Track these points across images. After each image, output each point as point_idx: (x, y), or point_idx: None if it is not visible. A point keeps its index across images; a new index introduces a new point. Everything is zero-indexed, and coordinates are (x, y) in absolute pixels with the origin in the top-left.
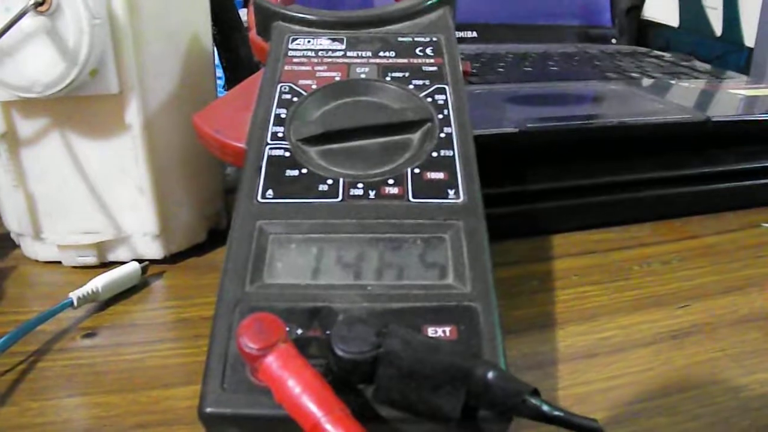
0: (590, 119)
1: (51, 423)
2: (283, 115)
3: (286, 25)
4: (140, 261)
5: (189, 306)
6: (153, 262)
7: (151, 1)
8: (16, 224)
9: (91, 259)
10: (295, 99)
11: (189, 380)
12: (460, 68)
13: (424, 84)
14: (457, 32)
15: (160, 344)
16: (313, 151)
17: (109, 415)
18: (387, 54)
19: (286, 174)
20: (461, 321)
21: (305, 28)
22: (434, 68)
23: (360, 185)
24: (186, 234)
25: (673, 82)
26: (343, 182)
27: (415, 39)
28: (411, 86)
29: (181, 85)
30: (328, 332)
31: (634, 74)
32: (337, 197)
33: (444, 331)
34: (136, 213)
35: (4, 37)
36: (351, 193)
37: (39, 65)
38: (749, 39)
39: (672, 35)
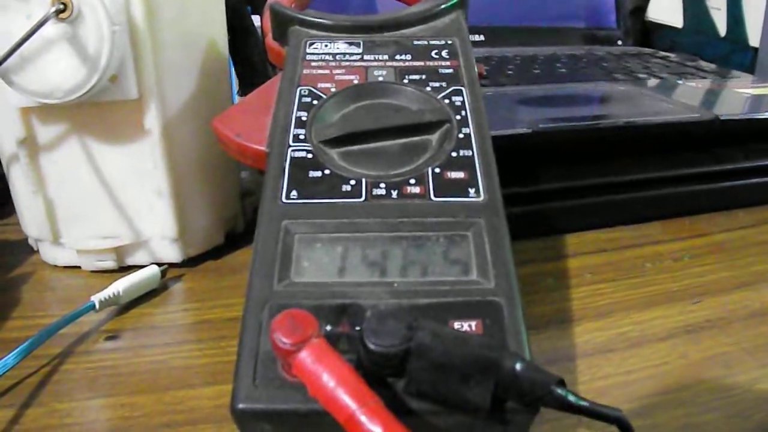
0: (601, 119)
1: (79, 424)
2: (303, 118)
3: (303, 29)
4: (159, 264)
5: (210, 308)
6: (172, 265)
7: (169, 7)
8: (35, 229)
9: (110, 263)
10: (315, 102)
11: (213, 380)
12: (476, 70)
13: (441, 86)
14: None
15: (182, 346)
16: (334, 152)
17: (135, 416)
18: (403, 57)
19: (310, 175)
20: (486, 315)
21: (322, 33)
22: (450, 70)
23: (382, 185)
24: (204, 237)
25: (680, 81)
26: (366, 182)
27: (431, 42)
28: (428, 88)
29: (199, 89)
30: (357, 328)
31: (641, 75)
32: (361, 197)
33: (470, 326)
34: (155, 217)
35: (25, 43)
36: (374, 193)
37: (60, 71)
38: (754, 39)
39: (676, 36)
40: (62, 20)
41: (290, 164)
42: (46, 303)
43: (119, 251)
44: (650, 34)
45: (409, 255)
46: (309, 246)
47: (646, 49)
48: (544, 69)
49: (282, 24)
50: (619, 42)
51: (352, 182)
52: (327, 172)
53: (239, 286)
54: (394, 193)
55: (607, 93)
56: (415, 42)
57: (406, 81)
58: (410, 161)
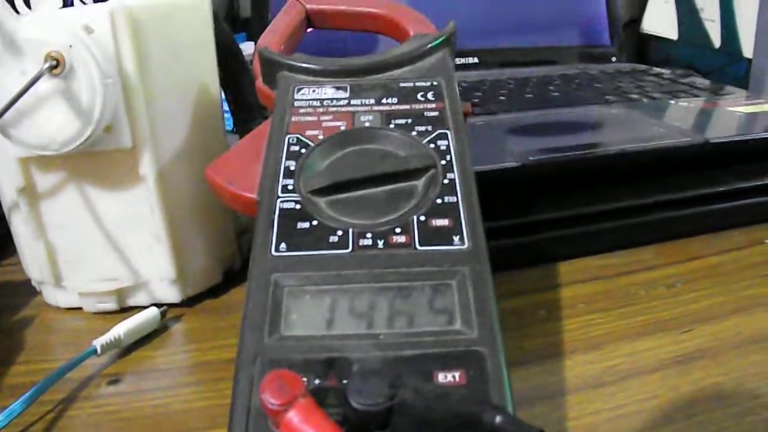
0: (591, 149)
1: None
2: (292, 167)
3: (291, 74)
4: (158, 305)
5: (209, 349)
6: (171, 305)
7: (160, 56)
8: (37, 272)
9: (110, 305)
10: (302, 150)
11: (213, 423)
12: (461, 111)
13: (426, 130)
14: (458, 59)
15: (183, 389)
16: (322, 202)
17: None
18: (390, 100)
19: (298, 226)
20: (469, 365)
21: (310, 78)
22: (436, 113)
23: (369, 235)
24: (202, 277)
25: (672, 102)
26: (353, 233)
27: (416, 84)
28: (414, 132)
29: (192, 135)
30: (344, 381)
31: (633, 95)
32: (348, 248)
33: (453, 376)
34: (153, 260)
35: (20, 98)
36: (360, 243)
37: (55, 124)
38: (747, 50)
39: (671, 48)
40: (55, 76)
41: (279, 215)
42: (49, 346)
43: (120, 293)
44: (645, 47)
45: (394, 306)
46: (298, 299)
47: (640, 66)
48: (536, 93)
49: (271, 69)
50: (613, 58)
51: (339, 233)
52: (315, 222)
53: (237, 326)
54: (380, 243)
55: (598, 118)
56: (401, 84)
57: (392, 126)
58: (396, 209)
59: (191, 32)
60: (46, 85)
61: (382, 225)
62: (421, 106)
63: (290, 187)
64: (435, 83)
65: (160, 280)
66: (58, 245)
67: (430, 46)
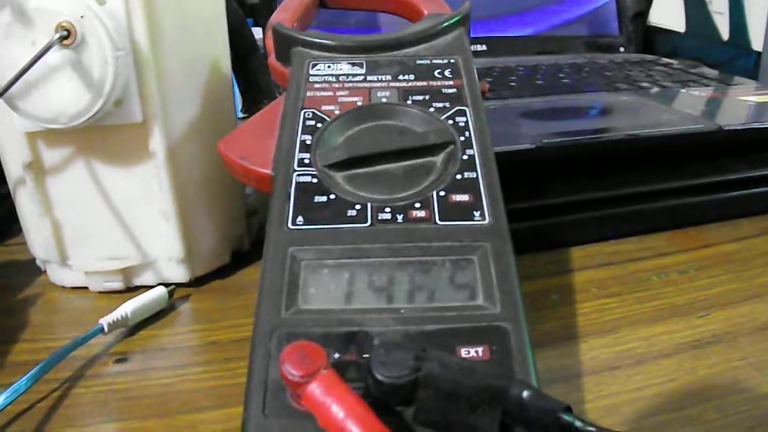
0: (604, 133)
1: None
2: (308, 142)
3: (306, 50)
4: (166, 285)
5: (217, 329)
6: (178, 285)
7: (173, 30)
8: (42, 251)
9: (117, 284)
10: (318, 125)
11: (223, 403)
12: (479, 89)
13: (444, 106)
14: None
15: (191, 368)
16: (339, 176)
17: None
18: (406, 77)
19: (315, 200)
20: (493, 341)
21: (325, 53)
22: (453, 90)
23: (387, 209)
24: (210, 257)
25: (683, 90)
26: (371, 207)
27: (433, 61)
28: (432, 109)
29: (203, 111)
30: (365, 356)
31: (644, 84)
32: (366, 222)
33: (477, 352)
34: (161, 238)
35: (30, 69)
36: (379, 218)
37: (64, 97)
38: (757, 43)
39: (678, 41)
40: (66, 47)
41: (295, 189)
42: (54, 325)
43: (126, 272)
44: (652, 39)
45: (415, 280)
46: (315, 273)
47: (649, 56)
48: (546, 80)
49: (285, 45)
50: (621, 49)
51: (358, 207)
52: (332, 197)
53: (246, 306)
54: (400, 218)
55: (610, 104)
56: (418, 61)
57: (409, 102)
58: (415, 184)
59: (204, 7)
60: (55, 56)
61: (401, 200)
62: (439, 83)
63: (307, 161)
64: (452, 61)
65: (168, 260)
66: (64, 223)
67: (445, 24)
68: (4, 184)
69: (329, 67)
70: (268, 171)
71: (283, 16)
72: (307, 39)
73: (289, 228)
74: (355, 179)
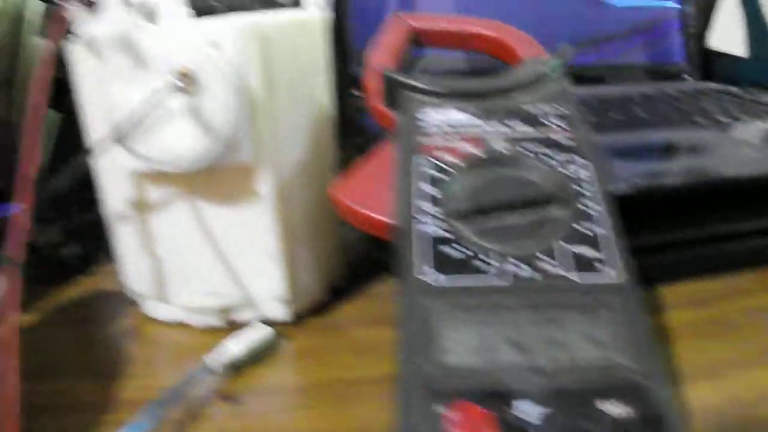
0: (698, 174)
1: None
2: (430, 191)
3: (416, 96)
4: (266, 322)
5: (324, 368)
6: (278, 323)
7: (284, 73)
8: (140, 286)
9: (215, 321)
10: (438, 174)
11: None
12: (591, 138)
13: (559, 157)
14: None
15: (303, 410)
16: (464, 227)
17: None
18: (517, 125)
19: (445, 252)
20: (635, 398)
21: (434, 99)
22: (566, 140)
23: (518, 262)
24: (309, 294)
25: (765, 126)
26: (502, 259)
27: (542, 109)
28: (548, 159)
29: (309, 152)
30: (511, 411)
31: (720, 117)
32: (498, 275)
33: (619, 408)
34: (265, 278)
35: (148, 113)
36: (511, 271)
37: (181, 141)
38: None
39: (739, 65)
40: (185, 92)
41: (424, 240)
42: (155, 361)
43: (226, 309)
44: (711, 63)
45: (551, 335)
46: (453, 326)
47: (716, 86)
48: (621, 113)
49: (392, 89)
50: (686, 77)
51: (488, 259)
52: (462, 248)
53: (348, 345)
54: (532, 272)
55: (694, 141)
56: (528, 109)
57: (524, 151)
58: (540, 236)
59: (312, 48)
60: (174, 100)
61: (529, 252)
62: (550, 132)
63: (431, 212)
64: (560, 109)
65: (270, 298)
66: (166, 259)
67: (548, 71)
68: (90, 211)
69: (441, 114)
70: (387, 219)
71: (383, 57)
72: (418, 85)
73: (423, 280)
74: (480, 230)
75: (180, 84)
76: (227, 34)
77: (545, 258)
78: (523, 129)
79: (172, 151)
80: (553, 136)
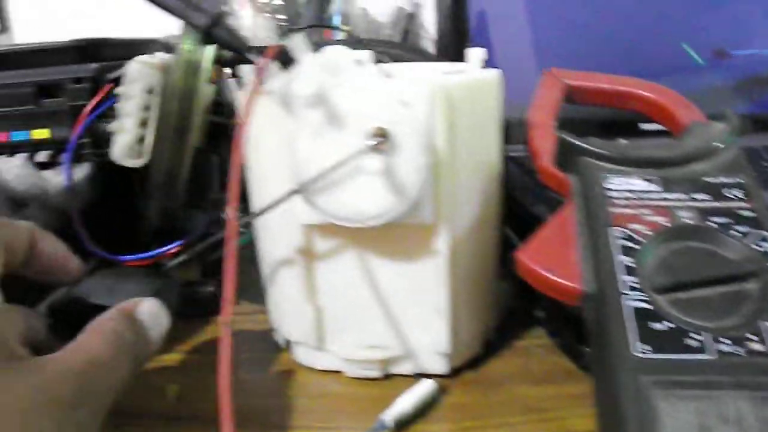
0: None
1: None
2: (628, 263)
3: (594, 162)
4: (424, 375)
5: (488, 426)
6: (434, 376)
7: (466, 133)
8: (298, 334)
9: (374, 372)
10: (632, 245)
11: None
12: None
13: (746, 231)
14: None
15: None
16: (665, 301)
17: None
18: (700, 196)
19: (652, 327)
20: None
21: (615, 167)
22: (749, 212)
23: (724, 340)
24: (467, 348)
25: None
26: (707, 336)
27: (722, 180)
28: (734, 231)
29: (481, 210)
30: None
31: None
32: (706, 352)
33: None
34: (429, 333)
35: (339, 169)
36: (719, 349)
37: (367, 198)
38: None
39: None
40: (379, 151)
41: (630, 314)
42: (319, 412)
43: (385, 361)
44: None
45: (765, 415)
46: (670, 404)
47: None
48: None
49: (569, 153)
50: None
51: (695, 336)
52: (667, 323)
53: (508, 402)
54: (738, 349)
55: None
56: (706, 179)
57: (711, 224)
58: (738, 312)
59: (488, 107)
60: (365, 158)
61: (732, 329)
62: (734, 204)
63: (633, 284)
64: (740, 180)
65: (432, 353)
66: (327, 309)
67: (724, 142)
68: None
69: (625, 182)
70: (579, 286)
71: (541, 115)
72: (597, 150)
73: (634, 355)
74: (679, 304)
75: (375, 142)
76: (419, 93)
77: (750, 336)
78: (706, 201)
79: (356, 208)
80: (735, 208)
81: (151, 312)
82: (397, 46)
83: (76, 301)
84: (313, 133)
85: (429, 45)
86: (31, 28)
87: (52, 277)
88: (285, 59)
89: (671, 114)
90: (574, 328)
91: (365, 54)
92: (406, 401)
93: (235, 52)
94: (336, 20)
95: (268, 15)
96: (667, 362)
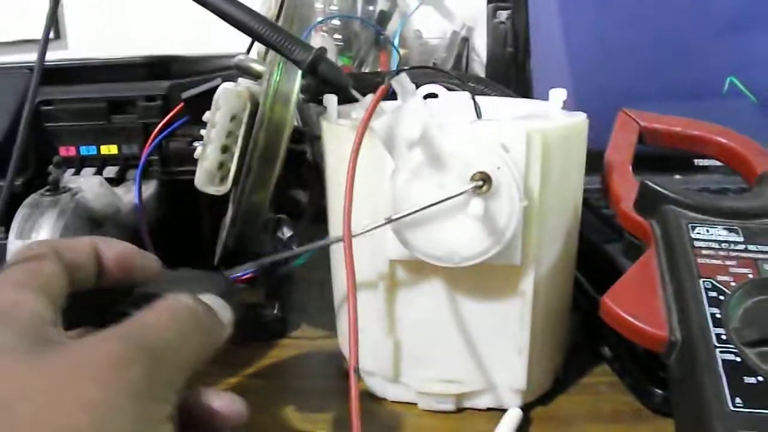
0: None
1: None
2: (717, 315)
3: (680, 210)
4: (498, 409)
5: None
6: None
7: (556, 177)
8: (373, 365)
9: (448, 406)
10: (719, 297)
11: None
12: None
13: None
14: None
15: None
16: (754, 354)
17: None
18: None
19: (745, 381)
20: None
21: (699, 215)
22: None
23: None
24: (540, 384)
25: None
26: None
27: None
28: None
29: (563, 250)
30: None
31: None
32: None
33: None
34: (507, 370)
35: (433, 209)
36: None
37: (462, 240)
38: None
39: None
40: (479, 195)
41: (724, 368)
42: None
43: (460, 395)
44: None
45: None
46: None
47: None
48: None
49: (652, 199)
50: None
51: None
52: (760, 378)
53: None
54: None
55: None
56: None
57: None
58: None
59: (576, 152)
60: (468, 201)
61: None
62: None
63: (724, 337)
64: None
65: (508, 389)
66: (406, 342)
67: None
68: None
69: (709, 231)
70: (663, 333)
71: (620, 157)
72: (682, 200)
73: (731, 410)
74: (765, 357)
75: (477, 185)
76: (518, 138)
77: None
78: None
79: (449, 248)
80: None
81: (215, 302)
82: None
83: (146, 297)
84: (414, 172)
85: (479, 69)
86: (84, 37)
87: (134, 278)
88: (389, 97)
89: (747, 161)
90: (644, 368)
91: (465, 95)
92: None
93: (339, 88)
94: (395, 42)
95: (324, 35)
96: (761, 417)
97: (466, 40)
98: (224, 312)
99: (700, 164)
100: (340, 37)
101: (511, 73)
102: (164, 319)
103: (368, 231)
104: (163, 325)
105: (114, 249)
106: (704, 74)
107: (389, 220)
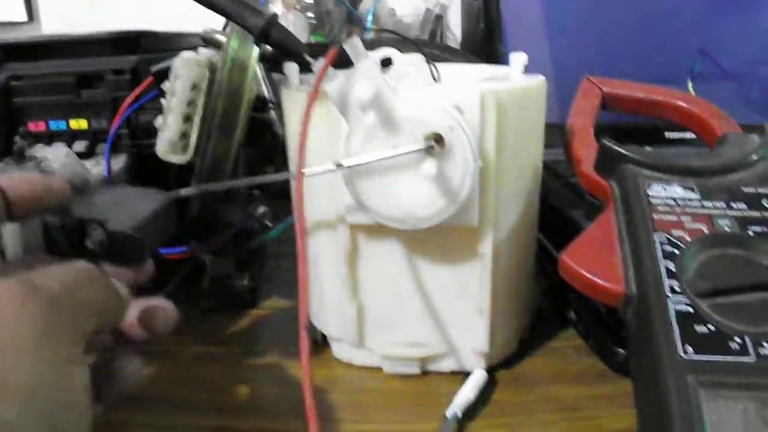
0: None
1: None
2: (672, 268)
3: (637, 169)
4: (461, 373)
5: (524, 424)
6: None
7: (512, 139)
8: (338, 331)
9: (412, 369)
10: (674, 251)
11: None
12: None
13: None
14: None
15: None
16: (707, 305)
17: None
18: (739, 206)
19: (696, 330)
20: None
21: (656, 174)
22: None
23: (765, 343)
24: (504, 347)
25: None
26: (749, 340)
27: (759, 190)
28: None
29: (522, 214)
30: None
31: None
32: (749, 355)
33: None
34: (469, 332)
35: (387, 170)
36: (759, 352)
37: (417, 201)
38: None
39: None
40: (432, 155)
41: (676, 318)
42: (359, 406)
43: (424, 359)
44: None
45: None
46: (715, 404)
47: None
48: None
49: (610, 159)
50: None
51: (737, 339)
52: (710, 327)
53: (545, 401)
54: None
55: None
56: (744, 189)
57: (750, 232)
58: None
59: (534, 115)
60: (420, 161)
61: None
62: None
63: (677, 289)
64: None
65: (471, 351)
66: (369, 308)
67: (761, 152)
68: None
69: (665, 189)
70: (620, 288)
71: (581, 121)
72: (639, 158)
73: (681, 357)
74: (719, 309)
75: (429, 146)
76: (472, 99)
77: None
78: (745, 210)
79: (405, 210)
80: None
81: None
82: (440, 47)
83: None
84: (367, 134)
85: (454, 46)
86: (57, 19)
87: (45, 204)
88: (342, 61)
89: (707, 124)
90: (607, 330)
91: (417, 57)
92: (469, 392)
93: (291, 53)
94: (369, 20)
95: (298, 12)
96: (712, 364)
97: (440, 18)
98: (122, 288)
99: (671, 137)
100: (312, 15)
101: (485, 49)
102: (61, 268)
103: (318, 174)
104: (60, 271)
105: (15, 180)
106: (678, 52)
107: (338, 165)
